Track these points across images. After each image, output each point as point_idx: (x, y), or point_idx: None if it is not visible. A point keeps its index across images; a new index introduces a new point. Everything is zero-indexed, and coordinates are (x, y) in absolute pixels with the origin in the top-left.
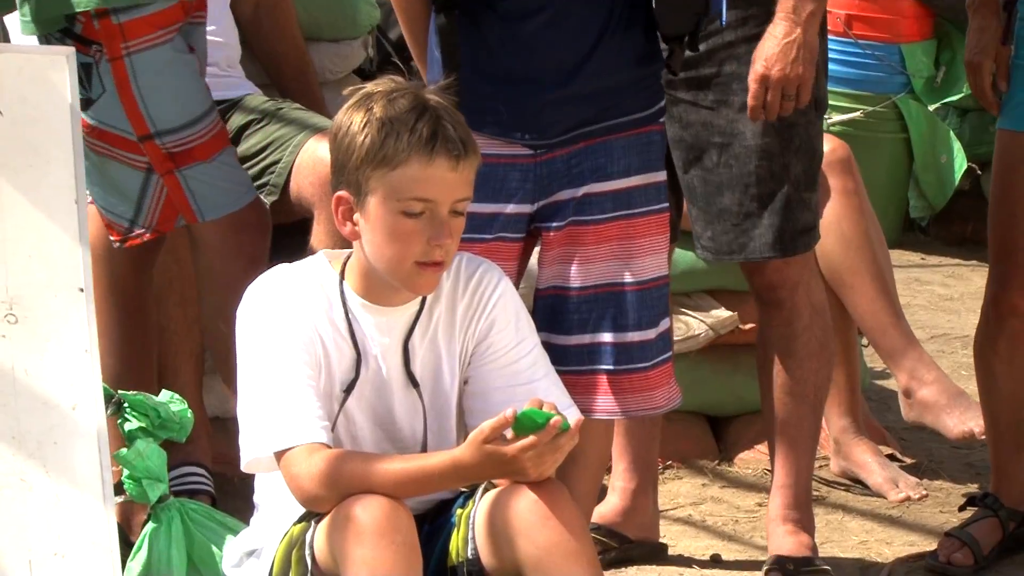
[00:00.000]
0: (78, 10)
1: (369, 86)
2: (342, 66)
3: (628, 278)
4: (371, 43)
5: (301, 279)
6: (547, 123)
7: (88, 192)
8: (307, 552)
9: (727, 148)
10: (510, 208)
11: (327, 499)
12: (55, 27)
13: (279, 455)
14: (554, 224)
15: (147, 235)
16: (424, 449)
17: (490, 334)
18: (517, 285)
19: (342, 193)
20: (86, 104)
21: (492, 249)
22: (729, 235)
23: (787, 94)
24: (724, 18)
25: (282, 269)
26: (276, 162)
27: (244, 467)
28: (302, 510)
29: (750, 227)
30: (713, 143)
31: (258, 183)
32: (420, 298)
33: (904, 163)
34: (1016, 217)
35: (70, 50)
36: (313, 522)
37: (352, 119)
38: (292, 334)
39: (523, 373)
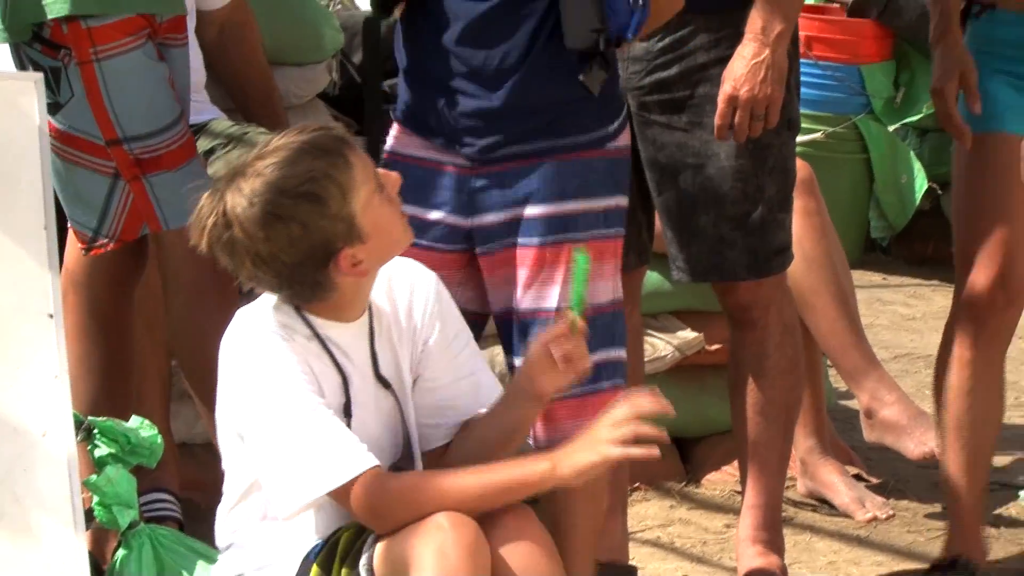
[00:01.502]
0: (49, 17)
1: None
2: (307, 90)
3: (552, 305)
4: (335, 67)
5: (271, 321)
6: (475, 135)
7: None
8: (363, 570)
9: (701, 169)
10: (442, 216)
11: (409, 521)
12: (26, 35)
13: (340, 490)
14: (488, 246)
15: (111, 244)
16: (408, 447)
17: (433, 331)
18: (462, 301)
19: (344, 254)
20: (54, 108)
21: (425, 257)
22: (704, 256)
23: (756, 114)
24: (630, 35)
25: (250, 317)
26: None
27: (288, 516)
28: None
29: (725, 248)
30: (687, 164)
31: None
32: (367, 307)
33: (865, 183)
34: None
35: (38, 75)
36: (371, 539)
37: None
38: (294, 376)
39: (465, 366)
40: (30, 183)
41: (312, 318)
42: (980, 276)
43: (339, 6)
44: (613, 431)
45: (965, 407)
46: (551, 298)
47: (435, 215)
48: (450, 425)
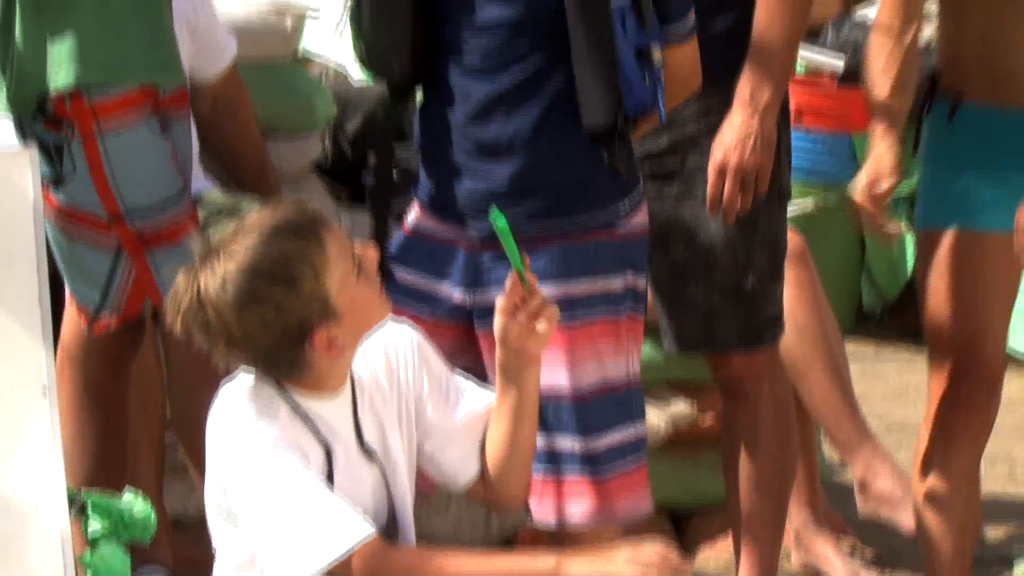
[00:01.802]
0: (52, 89)
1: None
2: (300, 160)
3: (563, 384)
4: (327, 137)
5: (254, 398)
6: (483, 214)
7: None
8: None
9: (692, 240)
10: (450, 290)
11: None
12: (29, 108)
13: (343, 560)
14: (491, 326)
15: (114, 320)
16: (392, 518)
17: (423, 385)
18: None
19: (319, 334)
20: (56, 184)
21: (431, 329)
22: (695, 327)
23: (745, 184)
24: (663, 115)
25: (233, 395)
26: None
27: None
28: None
29: (716, 319)
30: (678, 235)
31: None
32: (349, 378)
33: (857, 253)
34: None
35: (33, 150)
36: None
37: (258, 295)
38: (282, 449)
39: (467, 398)
40: (25, 257)
41: (293, 393)
42: (959, 380)
43: (331, 77)
44: (632, 562)
45: (943, 519)
46: (558, 377)
47: (444, 289)
48: (477, 449)
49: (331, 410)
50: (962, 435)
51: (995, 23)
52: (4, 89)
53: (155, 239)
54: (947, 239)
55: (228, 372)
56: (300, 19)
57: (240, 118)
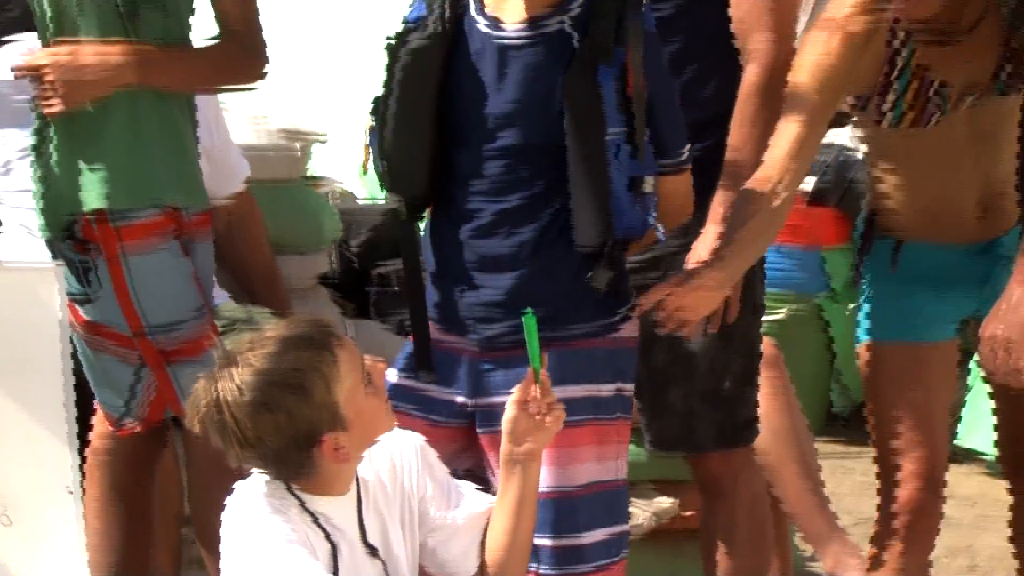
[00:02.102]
0: (85, 209)
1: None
2: (308, 275)
3: (551, 485)
4: (334, 253)
5: (266, 496)
6: (483, 323)
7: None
8: None
9: (673, 347)
10: (452, 394)
11: None
12: (60, 229)
13: None
14: (492, 426)
15: (137, 426)
16: None
17: (426, 487)
18: (466, 466)
19: (327, 440)
20: (83, 301)
21: (431, 430)
22: (675, 429)
23: (729, 296)
24: (663, 237)
25: (246, 494)
26: None
27: None
28: None
29: (695, 421)
30: (660, 342)
31: None
32: (355, 480)
33: (826, 359)
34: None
35: (59, 267)
36: None
37: (272, 401)
38: (296, 544)
39: (469, 499)
40: (51, 366)
41: (301, 493)
42: (908, 485)
43: (337, 197)
44: None
45: None
46: (550, 479)
47: (446, 393)
48: (477, 545)
49: (336, 510)
50: (911, 538)
51: (925, 179)
52: (39, 212)
53: (176, 353)
54: (893, 351)
55: (242, 473)
56: (308, 143)
57: (252, 235)
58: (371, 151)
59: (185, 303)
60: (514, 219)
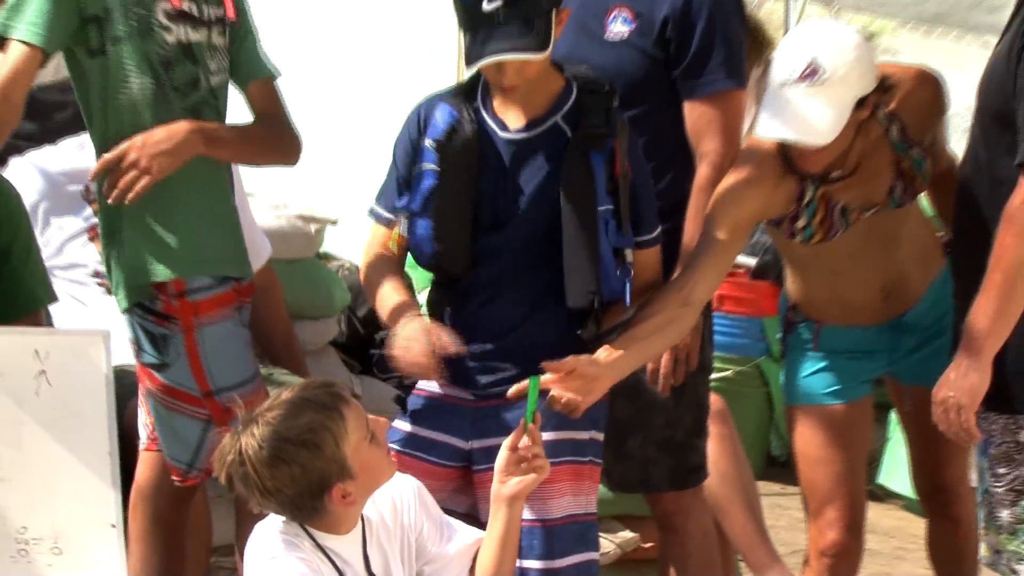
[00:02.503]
0: (152, 280)
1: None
2: (320, 338)
3: (532, 516)
4: (343, 320)
5: (284, 535)
6: (480, 374)
7: (146, 439)
8: None
9: (632, 401)
10: (449, 438)
11: None
12: (140, 296)
13: None
14: (487, 466)
15: (201, 476)
16: None
17: (423, 524)
18: (461, 507)
19: (336, 489)
20: (160, 367)
21: (429, 471)
22: (634, 472)
23: (678, 361)
24: (628, 301)
25: (267, 531)
26: None
27: None
28: None
29: (651, 466)
30: (621, 397)
31: None
32: (360, 520)
33: (766, 412)
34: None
35: (107, 332)
36: None
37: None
38: (311, 574)
39: (460, 534)
40: (97, 418)
41: (314, 532)
42: (832, 530)
43: (346, 271)
44: None
45: None
46: (533, 510)
47: (443, 437)
48: (467, 572)
49: (344, 545)
50: (837, 573)
51: (832, 277)
52: (118, 286)
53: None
54: (814, 413)
55: (261, 515)
56: (322, 226)
57: (273, 304)
58: (404, 236)
59: (245, 366)
60: (515, 288)
